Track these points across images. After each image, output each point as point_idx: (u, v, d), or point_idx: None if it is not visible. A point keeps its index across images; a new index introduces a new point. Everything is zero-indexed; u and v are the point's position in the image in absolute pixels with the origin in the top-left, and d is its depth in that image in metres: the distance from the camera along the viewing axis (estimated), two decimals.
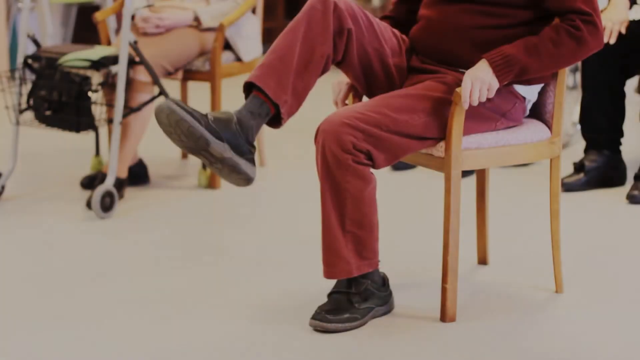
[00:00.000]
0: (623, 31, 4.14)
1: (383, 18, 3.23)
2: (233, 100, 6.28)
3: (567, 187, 4.31)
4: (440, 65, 3.02)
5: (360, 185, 2.82)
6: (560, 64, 2.93)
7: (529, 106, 3.08)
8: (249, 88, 2.92)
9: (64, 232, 3.81)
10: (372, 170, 2.85)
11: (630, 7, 4.25)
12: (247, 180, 2.86)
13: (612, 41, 4.10)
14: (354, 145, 2.78)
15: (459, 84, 2.94)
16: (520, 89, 3.01)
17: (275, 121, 2.91)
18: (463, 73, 2.97)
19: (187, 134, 2.77)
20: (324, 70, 2.91)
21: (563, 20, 2.91)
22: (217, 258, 3.51)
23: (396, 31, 3.07)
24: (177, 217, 4.00)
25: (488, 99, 2.94)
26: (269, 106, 2.87)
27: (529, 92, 3.05)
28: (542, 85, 3.08)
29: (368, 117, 2.81)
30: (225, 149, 2.81)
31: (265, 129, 4.89)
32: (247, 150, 2.85)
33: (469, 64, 2.93)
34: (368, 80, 3.01)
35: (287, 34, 2.89)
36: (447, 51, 3.00)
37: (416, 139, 2.88)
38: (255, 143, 2.80)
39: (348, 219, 2.84)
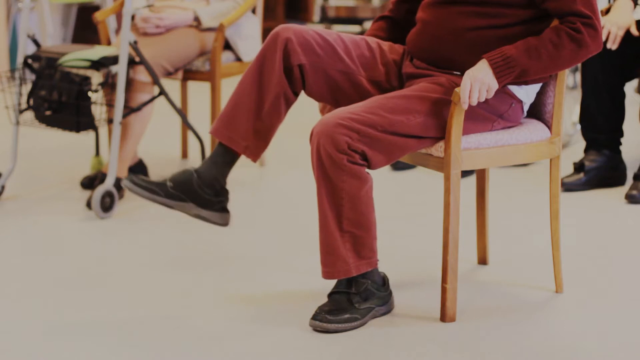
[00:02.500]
0: (635, 32, 4.14)
1: (381, 18, 3.23)
2: None
3: (567, 187, 4.31)
4: (436, 69, 3.02)
5: (357, 185, 2.82)
6: (560, 66, 2.93)
7: (526, 107, 3.08)
8: None
9: (64, 232, 3.81)
10: (370, 169, 2.86)
11: (634, 7, 4.24)
12: (220, 225, 3.05)
13: (615, 47, 4.09)
14: (349, 145, 2.79)
15: (454, 85, 2.94)
16: (516, 91, 3.01)
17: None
18: (458, 76, 2.98)
19: (152, 202, 3.01)
20: (287, 106, 2.99)
21: (563, 22, 2.91)
22: (217, 258, 3.51)
23: (373, 44, 3.08)
24: (177, 217, 4.00)
25: (484, 100, 2.94)
26: (233, 152, 3.00)
27: (525, 95, 3.04)
28: (539, 86, 3.08)
29: (363, 117, 2.81)
30: (189, 207, 2.99)
31: None
32: (214, 201, 3.00)
33: (465, 67, 2.93)
34: (338, 101, 3.04)
35: (242, 80, 3.00)
36: (443, 54, 3.00)
37: (412, 140, 2.88)
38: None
39: (345, 219, 2.84)
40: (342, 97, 3.03)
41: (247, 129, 2.97)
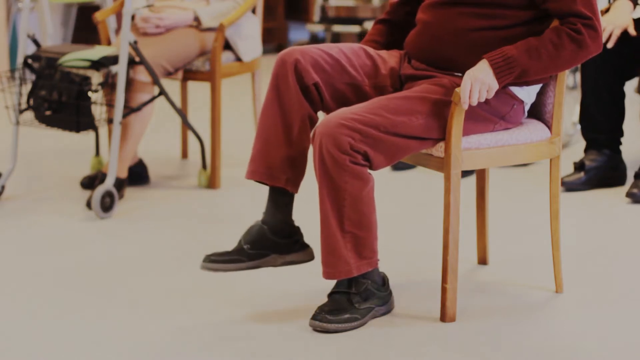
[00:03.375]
0: (632, 32, 4.13)
1: (380, 22, 3.23)
2: (233, 100, 6.29)
3: (567, 186, 4.31)
4: (436, 70, 3.02)
5: (359, 185, 2.82)
6: (560, 67, 2.93)
7: (527, 108, 3.08)
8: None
9: (64, 232, 3.81)
10: (372, 170, 2.86)
11: (634, 8, 4.23)
12: (307, 262, 3.05)
13: (610, 45, 4.09)
14: (351, 145, 2.79)
15: (455, 86, 2.94)
16: (518, 92, 3.01)
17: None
18: (459, 77, 2.98)
19: (240, 270, 2.98)
20: (312, 126, 2.97)
21: (563, 23, 2.91)
22: None
23: (372, 52, 3.07)
24: (177, 217, 4.00)
25: (485, 101, 2.94)
26: (286, 191, 2.99)
27: (527, 96, 3.04)
28: (539, 86, 3.08)
29: (365, 118, 2.81)
30: (274, 259, 3.00)
31: None
32: (291, 243, 3.01)
33: (466, 68, 2.93)
34: None
35: (262, 115, 2.97)
36: (444, 55, 3.00)
37: (414, 140, 2.88)
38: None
39: (347, 219, 2.84)
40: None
41: (282, 161, 2.94)
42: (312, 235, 3.61)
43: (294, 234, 3.01)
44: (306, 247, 3.04)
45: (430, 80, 2.99)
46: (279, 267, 3.01)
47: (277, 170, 2.95)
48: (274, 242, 2.98)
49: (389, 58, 3.09)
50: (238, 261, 2.96)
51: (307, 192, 3.96)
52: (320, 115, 4.87)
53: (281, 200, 2.99)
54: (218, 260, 2.94)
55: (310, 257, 3.05)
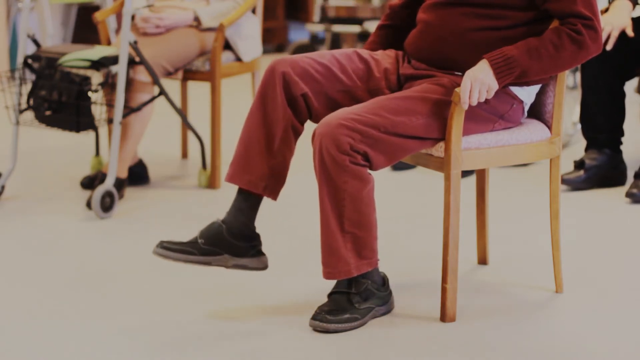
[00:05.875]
0: (630, 33, 4.13)
1: (382, 27, 3.23)
2: (233, 100, 6.29)
3: (567, 183, 4.30)
4: (437, 70, 3.02)
5: (358, 186, 2.82)
6: (560, 68, 2.93)
7: (527, 108, 3.08)
8: None
9: (64, 232, 3.81)
10: (372, 170, 2.86)
11: (633, 8, 4.23)
12: (260, 270, 3.03)
13: (609, 47, 4.09)
14: (351, 146, 2.79)
15: (455, 85, 2.94)
16: (518, 92, 3.01)
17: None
18: (459, 76, 2.98)
19: (189, 263, 2.95)
20: (295, 138, 2.98)
21: (564, 23, 2.91)
22: None
23: (365, 55, 3.06)
24: (177, 217, 4.00)
25: (485, 101, 2.94)
26: (254, 195, 2.98)
27: (527, 96, 3.05)
28: (539, 87, 3.08)
29: (365, 118, 2.81)
30: (226, 259, 2.98)
31: None
32: (247, 247, 2.99)
33: (466, 68, 2.93)
34: None
35: (247, 121, 2.98)
36: (445, 55, 3.00)
37: (414, 140, 2.88)
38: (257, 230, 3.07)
39: (347, 220, 2.84)
40: None
41: (262, 169, 2.94)
42: (312, 235, 3.62)
43: (253, 239, 3.00)
44: (262, 255, 3.02)
45: (430, 80, 2.99)
46: (230, 268, 2.98)
47: (256, 177, 2.95)
48: (229, 242, 2.96)
49: (383, 59, 3.09)
50: (189, 253, 2.94)
51: (307, 192, 3.96)
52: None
53: (246, 204, 2.98)
54: (170, 248, 2.93)
55: (264, 266, 3.03)
